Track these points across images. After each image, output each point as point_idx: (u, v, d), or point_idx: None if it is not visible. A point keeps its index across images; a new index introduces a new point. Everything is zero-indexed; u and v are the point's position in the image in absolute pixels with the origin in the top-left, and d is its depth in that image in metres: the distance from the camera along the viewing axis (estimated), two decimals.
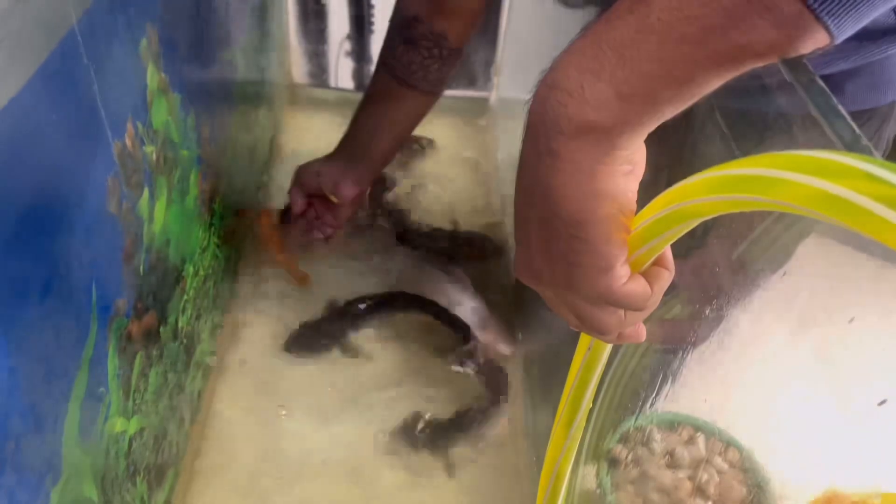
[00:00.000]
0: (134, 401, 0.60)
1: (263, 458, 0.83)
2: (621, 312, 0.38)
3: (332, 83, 1.43)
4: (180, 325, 0.73)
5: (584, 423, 0.51)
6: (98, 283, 0.50)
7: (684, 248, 0.39)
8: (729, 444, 0.78)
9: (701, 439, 0.79)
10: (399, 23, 0.84)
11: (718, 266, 0.57)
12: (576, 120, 0.33)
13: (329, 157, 0.93)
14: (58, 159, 0.44)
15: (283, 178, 1.16)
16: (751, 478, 0.75)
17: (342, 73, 1.42)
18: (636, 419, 0.80)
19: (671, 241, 0.36)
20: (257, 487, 0.80)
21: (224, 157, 0.87)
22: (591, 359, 0.47)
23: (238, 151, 0.96)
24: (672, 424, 0.80)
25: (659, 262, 0.38)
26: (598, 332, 0.40)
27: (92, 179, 0.49)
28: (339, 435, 0.85)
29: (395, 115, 0.88)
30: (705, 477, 0.75)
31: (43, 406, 0.43)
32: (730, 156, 0.35)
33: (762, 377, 0.84)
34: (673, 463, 0.78)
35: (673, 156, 0.51)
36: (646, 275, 0.38)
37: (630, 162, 0.34)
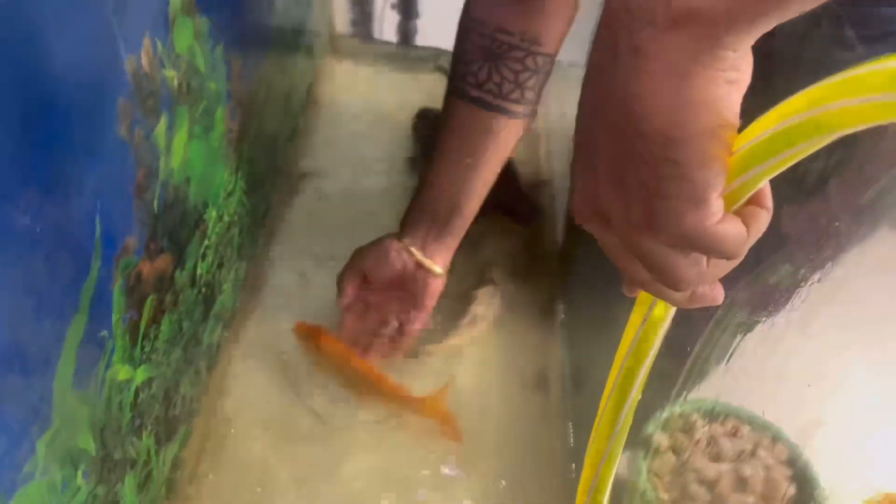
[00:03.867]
0: (143, 349, 0.55)
1: (287, 416, 0.78)
2: (704, 262, 0.31)
3: (376, 35, 1.36)
4: (199, 271, 0.68)
5: (633, 411, 0.45)
6: (103, 214, 0.45)
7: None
8: (776, 438, 0.71)
9: (746, 431, 0.73)
10: (476, 38, 0.66)
11: (838, 219, 0.49)
12: (675, 5, 0.26)
13: (407, 226, 0.74)
14: (59, 65, 0.38)
15: (318, 129, 1.11)
16: (798, 475, 0.69)
17: (387, 26, 1.36)
18: (680, 405, 0.75)
19: (778, 171, 0.29)
20: (278, 448, 0.75)
21: (256, 96, 0.81)
22: (646, 331, 0.40)
23: (272, 94, 0.90)
24: (717, 413, 0.73)
25: (755, 201, 0.31)
26: (672, 284, 0.32)
27: (100, 95, 0.43)
28: None
29: (489, 152, 0.69)
30: (749, 471, 0.69)
31: (30, 345, 0.38)
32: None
33: (819, 370, 0.77)
34: (715, 454, 0.72)
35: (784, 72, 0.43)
36: (740, 213, 0.31)
37: (736, 69, 0.27)
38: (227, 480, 0.72)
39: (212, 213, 0.69)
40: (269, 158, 0.92)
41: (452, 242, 0.74)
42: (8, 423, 0.37)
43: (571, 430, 0.80)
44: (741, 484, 0.70)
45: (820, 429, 0.73)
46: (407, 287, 0.75)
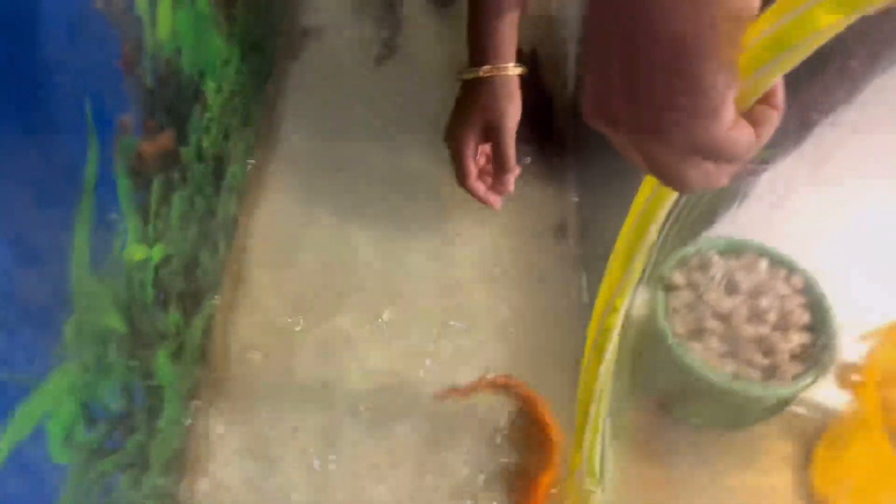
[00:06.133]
0: (156, 227, 0.56)
1: (319, 271, 0.79)
2: (710, 165, 0.30)
3: None
4: (204, 145, 0.67)
5: (639, 271, 0.44)
6: (92, 94, 0.43)
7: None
8: (792, 270, 0.71)
9: (763, 265, 0.73)
10: None
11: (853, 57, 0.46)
12: None
13: (472, 88, 0.68)
14: None
15: None
16: (814, 303, 0.69)
17: None
18: (696, 244, 0.74)
19: (793, 66, 0.27)
20: (307, 307, 0.77)
21: None
22: (653, 203, 0.39)
23: None
24: (734, 250, 0.73)
25: (766, 99, 0.29)
26: (678, 188, 0.32)
27: None
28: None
29: None
30: (765, 302, 0.70)
31: (38, 234, 0.38)
32: None
33: (838, 202, 0.76)
34: (731, 288, 0.73)
35: None
36: (749, 115, 0.29)
37: None
38: (256, 345, 0.75)
39: (209, 84, 0.67)
40: (265, 19, 0.88)
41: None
42: (30, 313, 0.38)
43: (585, 279, 0.81)
44: (756, 315, 0.71)
45: (835, 261, 0.73)
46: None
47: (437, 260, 0.81)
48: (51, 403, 0.40)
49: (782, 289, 0.71)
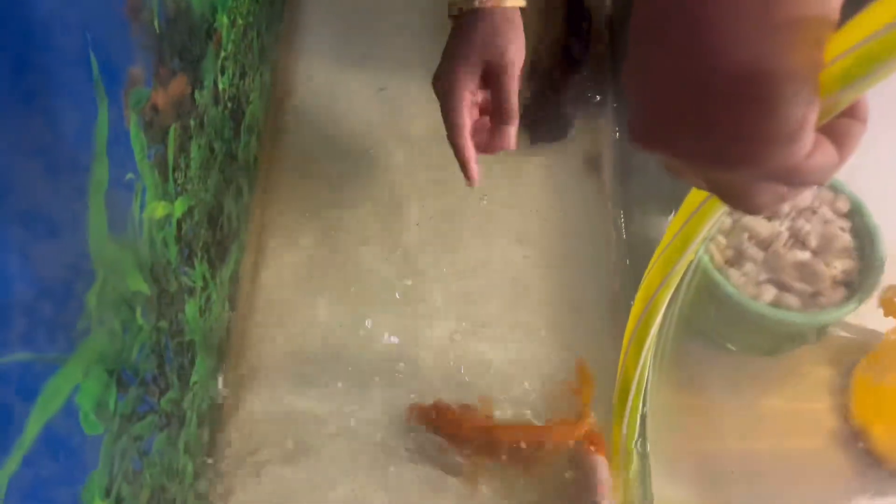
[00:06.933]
0: (175, 181, 0.53)
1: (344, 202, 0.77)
2: (783, 188, 0.26)
3: None
4: (220, 87, 0.63)
5: (684, 268, 0.42)
6: (96, 47, 0.40)
7: None
8: (838, 192, 0.68)
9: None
10: None
11: None
12: None
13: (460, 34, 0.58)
14: None
15: None
16: (859, 228, 0.66)
17: None
18: None
19: (884, 79, 0.23)
20: (335, 245, 0.75)
21: None
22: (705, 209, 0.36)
23: None
24: None
25: (850, 112, 0.25)
26: (748, 211, 0.28)
27: None
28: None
29: None
30: (807, 227, 0.67)
31: (51, 207, 0.36)
32: None
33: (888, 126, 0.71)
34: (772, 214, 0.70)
35: None
36: (830, 130, 0.25)
37: None
38: (284, 291, 0.74)
39: (222, 19, 0.63)
40: None
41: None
42: (50, 287, 0.36)
43: (622, 215, 0.78)
44: (798, 240, 0.68)
45: (883, 184, 0.69)
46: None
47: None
48: (79, 376, 0.39)
49: (826, 213, 0.68)
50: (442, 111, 0.58)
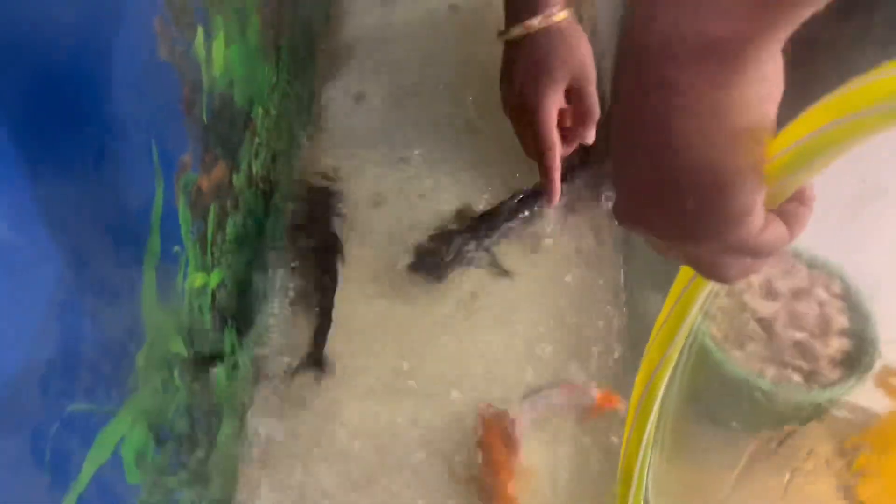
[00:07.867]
0: (212, 254, 0.59)
1: None
2: (747, 260, 0.32)
3: None
4: (254, 170, 0.70)
5: (680, 346, 0.46)
6: (158, 139, 0.46)
7: None
8: (832, 274, 0.72)
9: (803, 269, 0.73)
10: None
11: None
12: (693, 37, 0.25)
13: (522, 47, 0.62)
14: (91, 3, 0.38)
15: (353, 5, 1.06)
16: (853, 308, 0.70)
17: None
18: None
19: (820, 171, 0.29)
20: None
21: None
22: (693, 288, 0.41)
23: None
24: None
25: (797, 196, 0.31)
26: (719, 281, 0.34)
27: (135, 23, 0.43)
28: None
29: None
30: (804, 307, 0.70)
31: (115, 276, 0.42)
32: None
33: (878, 208, 0.76)
34: (771, 293, 0.73)
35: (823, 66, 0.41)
36: (781, 212, 0.31)
37: (765, 79, 0.27)
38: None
39: (258, 111, 0.70)
40: (308, 42, 0.91)
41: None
42: (110, 348, 0.41)
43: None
44: (796, 320, 0.71)
45: (875, 266, 0.73)
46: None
47: None
48: (125, 429, 0.44)
49: (821, 294, 0.72)
50: (527, 130, 0.61)
